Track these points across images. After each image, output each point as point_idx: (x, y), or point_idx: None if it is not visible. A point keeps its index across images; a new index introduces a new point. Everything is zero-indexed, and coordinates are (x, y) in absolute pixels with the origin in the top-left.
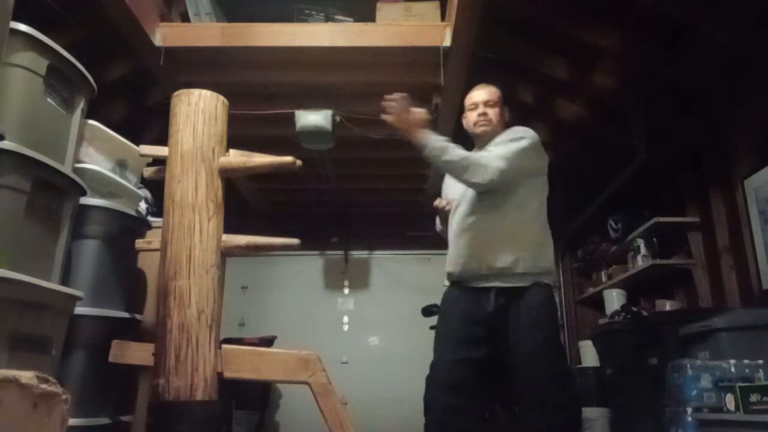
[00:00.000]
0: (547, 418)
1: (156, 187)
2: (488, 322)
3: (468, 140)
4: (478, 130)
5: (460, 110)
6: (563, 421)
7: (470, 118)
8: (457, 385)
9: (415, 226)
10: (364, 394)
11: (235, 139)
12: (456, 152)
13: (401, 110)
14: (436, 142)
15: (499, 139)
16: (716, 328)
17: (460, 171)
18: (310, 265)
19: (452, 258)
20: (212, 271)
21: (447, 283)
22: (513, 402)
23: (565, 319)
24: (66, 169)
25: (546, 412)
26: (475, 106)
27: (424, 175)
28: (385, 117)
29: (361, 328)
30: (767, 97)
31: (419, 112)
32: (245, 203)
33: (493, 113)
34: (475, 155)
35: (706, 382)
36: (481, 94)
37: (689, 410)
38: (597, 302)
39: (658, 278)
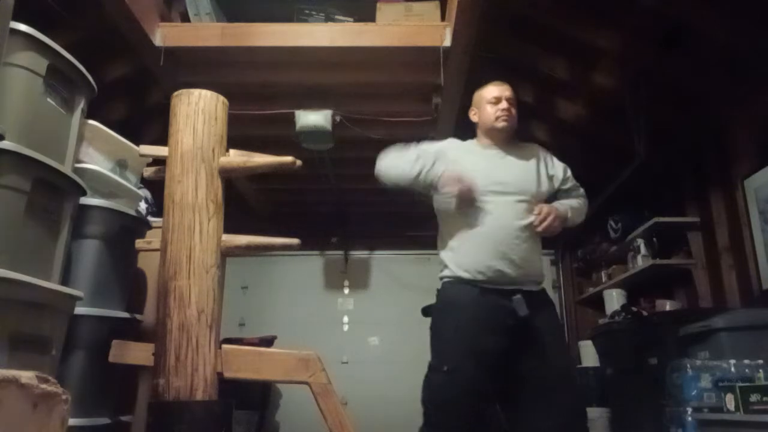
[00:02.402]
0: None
1: (156, 187)
2: (516, 326)
3: (467, 137)
4: (500, 124)
5: (461, 110)
6: None
7: (489, 111)
8: (480, 391)
9: (415, 226)
10: (364, 394)
11: (235, 139)
12: (576, 207)
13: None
14: (567, 212)
15: (569, 173)
16: (716, 328)
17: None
18: (310, 265)
19: (495, 257)
20: (212, 271)
21: (458, 278)
22: (513, 401)
23: (565, 319)
24: (66, 169)
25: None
26: (497, 100)
27: None
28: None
29: (361, 328)
30: (767, 97)
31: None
32: (245, 203)
33: (514, 111)
34: (583, 200)
35: (706, 382)
36: (504, 90)
37: (689, 410)
38: (597, 302)
39: (658, 278)
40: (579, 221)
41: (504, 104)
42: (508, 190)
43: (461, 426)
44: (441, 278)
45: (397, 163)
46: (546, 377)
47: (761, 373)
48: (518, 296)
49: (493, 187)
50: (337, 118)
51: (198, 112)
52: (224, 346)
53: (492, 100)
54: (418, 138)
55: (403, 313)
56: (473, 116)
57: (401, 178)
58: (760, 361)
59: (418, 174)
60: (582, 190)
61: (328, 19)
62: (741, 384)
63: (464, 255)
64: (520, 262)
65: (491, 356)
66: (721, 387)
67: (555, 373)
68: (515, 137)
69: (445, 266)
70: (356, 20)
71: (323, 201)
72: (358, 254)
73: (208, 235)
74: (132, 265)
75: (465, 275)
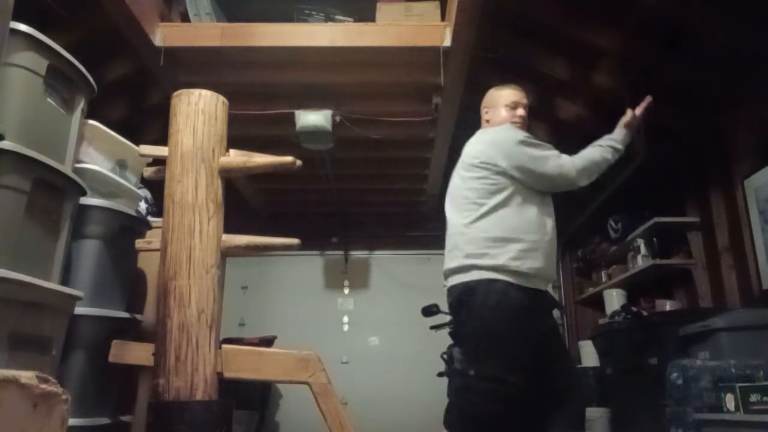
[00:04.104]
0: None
1: (156, 187)
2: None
3: (467, 137)
4: None
5: (461, 110)
6: None
7: (504, 115)
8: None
9: (415, 226)
10: (364, 394)
11: (235, 139)
12: None
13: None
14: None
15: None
16: (716, 328)
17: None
18: (310, 265)
19: (550, 262)
20: (212, 271)
21: (515, 281)
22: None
23: (565, 319)
24: (66, 169)
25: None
26: (515, 105)
27: (424, 175)
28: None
29: (361, 328)
30: (767, 97)
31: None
32: (245, 203)
33: (527, 119)
34: None
35: (706, 382)
36: (523, 97)
37: (689, 410)
38: (597, 302)
39: (658, 278)
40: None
41: (521, 111)
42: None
43: None
44: (486, 276)
45: (604, 159)
46: (570, 380)
47: (761, 373)
48: (549, 294)
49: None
50: (337, 118)
51: (198, 112)
52: (224, 346)
53: (510, 105)
54: (418, 138)
55: (403, 313)
56: (485, 114)
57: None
58: (760, 361)
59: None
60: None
61: (328, 19)
62: (741, 384)
63: (525, 256)
64: (554, 263)
65: (534, 362)
66: (721, 387)
67: (570, 379)
68: None
69: (500, 265)
70: (356, 20)
71: (323, 201)
72: (358, 254)
73: (208, 235)
74: (132, 265)
75: (526, 274)
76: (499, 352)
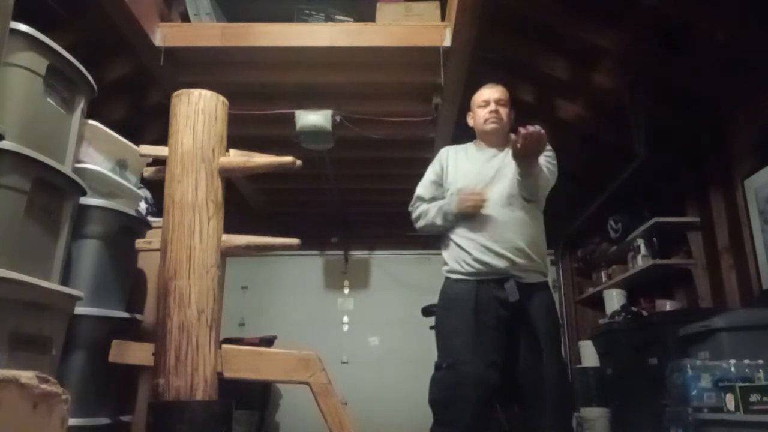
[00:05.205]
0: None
1: (156, 187)
2: (510, 318)
3: (467, 137)
4: (489, 127)
5: (461, 110)
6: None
7: (480, 114)
8: (482, 386)
9: None
10: (364, 394)
11: (235, 139)
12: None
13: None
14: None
15: (550, 152)
16: (716, 328)
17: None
18: (310, 265)
19: (491, 250)
20: (212, 271)
21: (456, 274)
22: (512, 400)
23: (565, 319)
24: (66, 169)
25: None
26: (486, 103)
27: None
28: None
29: (361, 328)
30: (767, 97)
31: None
32: (245, 203)
33: (504, 112)
34: (549, 171)
35: (706, 382)
36: (493, 93)
37: (689, 410)
38: (597, 302)
39: (658, 278)
40: (542, 183)
41: (492, 106)
42: (501, 189)
43: (467, 422)
44: (444, 276)
45: (429, 223)
46: (542, 375)
47: (761, 373)
48: (510, 283)
49: (484, 186)
50: (337, 118)
51: (198, 112)
52: (224, 346)
53: (482, 104)
54: (418, 138)
55: (403, 313)
56: (470, 120)
57: (440, 229)
58: (760, 361)
59: (445, 217)
60: (549, 171)
61: (328, 19)
62: (741, 384)
63: (461, 251)
64: (517, 254)
65: (489, 349)
66: (721, 387)
67: (551, 372)
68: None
69: (445, 263)
70: (356, 20)
71: (323, 201)
72: (358, 254)
73: (208, 235)
74: (132, 265)
75: (462, 270)
76: (438, 340)
